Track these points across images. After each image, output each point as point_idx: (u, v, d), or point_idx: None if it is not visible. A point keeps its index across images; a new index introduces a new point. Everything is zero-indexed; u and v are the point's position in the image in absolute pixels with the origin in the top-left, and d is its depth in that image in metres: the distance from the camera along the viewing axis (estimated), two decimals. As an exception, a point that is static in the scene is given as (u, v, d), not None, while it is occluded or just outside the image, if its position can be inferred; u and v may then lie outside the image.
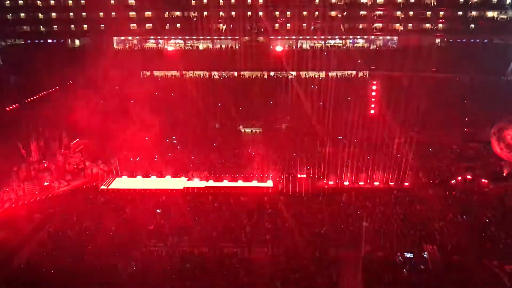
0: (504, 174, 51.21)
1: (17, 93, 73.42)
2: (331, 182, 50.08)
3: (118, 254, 36.74)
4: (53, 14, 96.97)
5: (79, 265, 35.42)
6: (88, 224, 41.75)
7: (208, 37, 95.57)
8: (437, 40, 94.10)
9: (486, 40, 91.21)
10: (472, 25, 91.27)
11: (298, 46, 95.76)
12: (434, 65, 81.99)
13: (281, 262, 36.14)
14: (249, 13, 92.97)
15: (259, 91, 78.61)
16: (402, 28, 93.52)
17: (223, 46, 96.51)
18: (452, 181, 49.79)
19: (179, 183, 51.15)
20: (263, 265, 36.12)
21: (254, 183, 50.53)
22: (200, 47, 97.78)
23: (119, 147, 56.36)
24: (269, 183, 50.25)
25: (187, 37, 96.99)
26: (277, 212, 43.64)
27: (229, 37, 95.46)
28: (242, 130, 67.84)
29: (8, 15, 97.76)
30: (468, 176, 50.19)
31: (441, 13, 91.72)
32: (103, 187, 50.55)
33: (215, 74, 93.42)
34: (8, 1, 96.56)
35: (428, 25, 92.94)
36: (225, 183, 50.72)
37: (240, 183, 50.69)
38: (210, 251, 37.61)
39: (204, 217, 42.81)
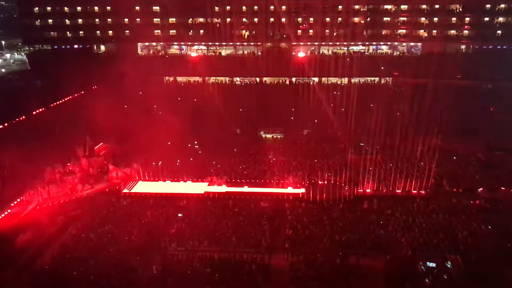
0: (531, 183, 49.95)
1: (44, 97, 75.17)
2: (352, 189, 49.59)
3: (139, 257, 37.13)
4: (80, 21, 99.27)
5: (101, 267, 35.89)
6: (110, 227, 42.33)
7: (231, 43, 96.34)
8: (462, 47, 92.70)
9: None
10: (499, 32, 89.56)
11: (321, 52, 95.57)
12: (459, 72, 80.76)
13: (300, 269, 35.91)
14: (271, 19, 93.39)
15: (281, 97, 78.78)
16: (426, 35, 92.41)
17: (246, 52, 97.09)
18: (477, 190, 48.77)
19: (200, 187, 51.42)
20: (282, 272, 36.01)
21: (274, 189, 50.35)
22: (223, 53, 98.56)
23: (142, 151, 57.04)
24: (290, 189, 50.02)
25: (210, 43, 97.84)
26: (298, 219, 43.49)
27: (252, 43, 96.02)
28: (263, 136, 67.80)
29: (36, 22, 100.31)
30: (493, 185, 49.07)
31: (467, 19, 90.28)
32: (125, 190, 51.19)
33: (237, 80, 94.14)
34: (37, 8, 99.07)
35: (453, 32, 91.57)
36: (246, 189, 50.77)
37: (260, 189, 50.58)
38: (230, 256, 37.66)
39: (224, 222, 42.94)
